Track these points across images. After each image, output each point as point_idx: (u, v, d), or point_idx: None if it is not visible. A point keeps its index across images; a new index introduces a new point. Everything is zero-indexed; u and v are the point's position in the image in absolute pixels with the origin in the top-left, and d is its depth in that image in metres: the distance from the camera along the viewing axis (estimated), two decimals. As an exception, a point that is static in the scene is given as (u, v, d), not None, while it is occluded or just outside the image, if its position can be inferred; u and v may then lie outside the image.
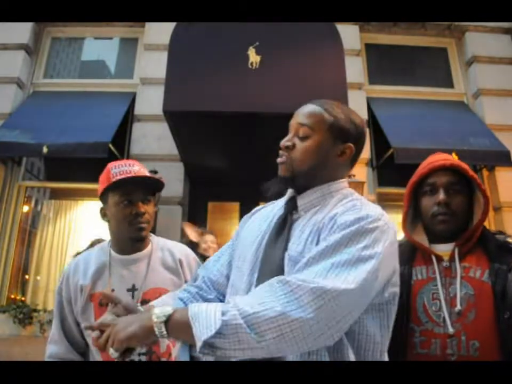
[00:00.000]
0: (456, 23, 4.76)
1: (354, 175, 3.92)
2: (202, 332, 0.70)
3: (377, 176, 4.38)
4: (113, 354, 0.78)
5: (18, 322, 3.66)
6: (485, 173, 4.31)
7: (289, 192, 1.01)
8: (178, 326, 0.75)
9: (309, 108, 1.00)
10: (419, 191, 1.22)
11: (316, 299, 0.70)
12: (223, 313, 0.72)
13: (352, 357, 0.80)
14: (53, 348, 1.31)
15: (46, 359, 1.31)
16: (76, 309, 1.29)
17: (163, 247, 1.39)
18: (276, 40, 3.17)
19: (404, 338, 1.08)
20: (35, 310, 3.79)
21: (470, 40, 4.77)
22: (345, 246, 0.78)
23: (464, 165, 1.18)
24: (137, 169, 1.29)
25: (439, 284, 1.10)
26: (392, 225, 0.86)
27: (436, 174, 1.18)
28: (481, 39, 4.75)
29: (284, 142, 0.98)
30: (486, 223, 4.04)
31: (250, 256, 0.94)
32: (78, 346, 1.32)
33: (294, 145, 0.96)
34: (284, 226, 0.93)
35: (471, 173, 1.17)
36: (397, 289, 0.88)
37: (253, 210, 1.12)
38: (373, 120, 4.39)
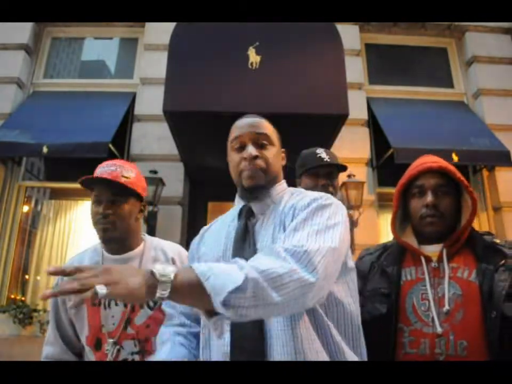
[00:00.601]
0: (456, 23, 4.77)
1: (354, 175, 3.92)
2: (224, 286, 0.67)
3: (377, 176, 4.39)
4: (101, 292, 0.61)
5: (18, 322, 3.67)
6: (485, 173, 4.32)
7: (239, 201, 1.08)
8: (185, 286, 0.68)
9: (257, 120, 1.07)
10: (408, 193, 1.24)
11: (314, 258, 0.77)
12: (240, 268, 0.71)
13: (335, 334, 0.88)
14: (49, 349, 1.33)
15: (42, 360, 1.32)
16: (69, 311, 1.30)
17: (156, 247, 1.39)
18: (276, 40, 3.17)
19: (392, 338, 1.09)
20: (35, 310, 3.80)
21: (470, 40, 4.77)
22: (311, 220, 0.88)
23: (452, 167, 1.19)
24: (112, 170, 1.28)
25: (428, 284, 1.11)
26: (342, 205, 1.00)
27: (424, 176, 1.19)
28: (481, 39, 4.75)
29: (252, 152, 1.01)
30: (485, 223, 4.04)
31: None
32: (73, 346, 1.33)
33: (261, 155, 1.02)
34: (246, 232, 0.98)
35: (459, 175, 1.17)
36: (353, 263, 1.01)
37: (201, 232, 1.18)
38: (373, 120, 4.39)
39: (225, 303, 0.67)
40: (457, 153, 3.68)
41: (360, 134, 4.36)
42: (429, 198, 1.15)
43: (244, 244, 0.96)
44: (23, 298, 4.14)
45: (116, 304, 1.27)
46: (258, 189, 1.02)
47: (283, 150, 1.12)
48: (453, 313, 1.05)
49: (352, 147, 4.20)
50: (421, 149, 3.56)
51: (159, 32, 4.39)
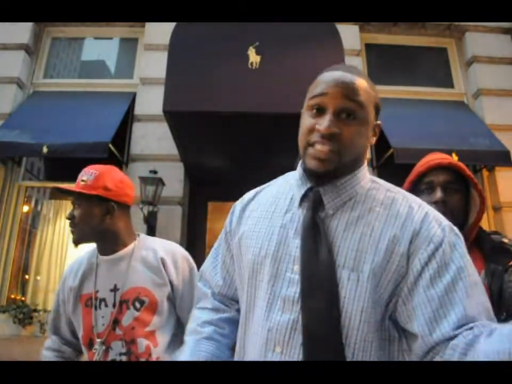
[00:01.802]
0: (456, 23, 4.76)
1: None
2: None
3: (377, 176, 4.36)
4: None
5: (18, 322, 3.67)
6: (485, 173, 4.31)
7: (303, 179, 0.83)
8: None
9: (353, 77, 0.78)
10: (416, 189, 1.21)
11: None
12: None
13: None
14: (48, 342, 1.42)
15: (43, 351, 1.40)
16: (67, 309, 1.35)
17: (148, 247, 1.37)
18: (276, 40, 3.17)
19: None
20: (35, 310, 3.80)
21: (470, 40, 4.77)
22: (469, 283, 0.68)
23: (461, 164, 1.17)
24: (80, 177, 1.32)
25: None
26: None
27: (433, 173, 1.17)
28: (481, 39, 4.75)
29: (330, 127, 0.74)
30: (485, 223, 4.02)
31: (268, 268, 0.78)
32: (68, 342, 1.40)
33: (340, 133, 0.75)
34: (317, 231, 0.76)
35: (468, 172, 1.16)
36: None
37: (245, 201, 0.95)
38: (373, 120, 4.39)
39: None
40: (457, 153, 3.67)
41: (360, 134, 4.36)
42: (438, 194, 1.13)
43: (317, 250, 0.74)
44: (23, 298, 4.14)
45: (106, 306, 1.28)
46: (325, 176, 0.78)
47: (377, 123, 0.83)
48: None
49: (352, 147, 4.20)
50: (421, 149, 3.56)
51: (159, 32, 4.39)
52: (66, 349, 1.39)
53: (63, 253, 4.33)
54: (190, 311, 1.26)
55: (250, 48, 3.13)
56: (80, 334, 1.30)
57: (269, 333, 0.74)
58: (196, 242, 4.34)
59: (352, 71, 0.81)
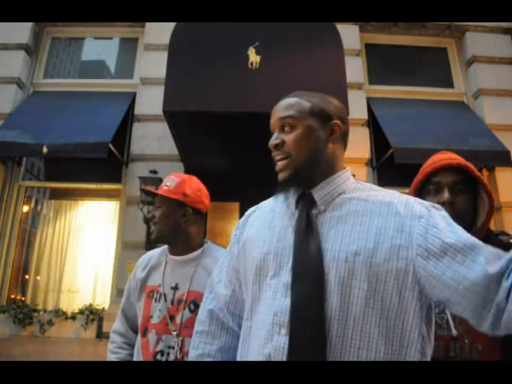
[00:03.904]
0: (456, 23, 4.77)
1: (354, 175, 3.92)
2: None
3: (377, 176, 4.39)
4: None
5: (18, 322, 3.66)
6: (485, 173, 4.32)
7: (293, 189, 0.96)
8: None
9: (285, 101, 0.98)
10: (423, 190, 1.19)
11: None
12: None
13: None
14: (116, 324, 1.55)
15: (111, 333, 1.54)
16: (134, 297, 1.50)
17: (213, 255, 1.45)
18: (276, 40, 3.17)
19: None
20: (35, 310, 3.80)
21: (470, 40, 4.77)
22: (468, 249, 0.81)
23: (470, 165, 1.14)
24: (164, 182, 1.47)
25: None
26: None
27: (441, 173, 1.15)
28: (481, 39, 4.76)
29: (272, 141, 0.94)
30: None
31: (272, 263, 0.89)
32: (133, 324, 1.50)
33: (283, 142, 0.93)
34: (309, 226, 0.87)
35: (477, 173, 1.13)
36: None
37: (246, 214, 1.09)
38: (373, 120, 4.40)
39: None
40: (457, 153, 3.66)
41: (360, 134, 4.36)
42: (446, 195, 1.11)
43: (309, 241, 0.85)
44: (23, 298, 4.14)
45: (165, 301, 1.38)
46: (289, 181, 0.93)
47: (332, 123, 0.94)
48: None
49: (352, 147, 4.18)
50: (421, 149, 3.57)
51: (159, 32, 4.40)
52: (132, 335, 1.48)
53: (63, 253, 4.32)
54: None
55: (250, 48, 3.13)
56: (139, 321, 1.42)
57: (274, 317, 0.82)
58: (195, 242, 4.33)
59: (289, 95, 0.99)
